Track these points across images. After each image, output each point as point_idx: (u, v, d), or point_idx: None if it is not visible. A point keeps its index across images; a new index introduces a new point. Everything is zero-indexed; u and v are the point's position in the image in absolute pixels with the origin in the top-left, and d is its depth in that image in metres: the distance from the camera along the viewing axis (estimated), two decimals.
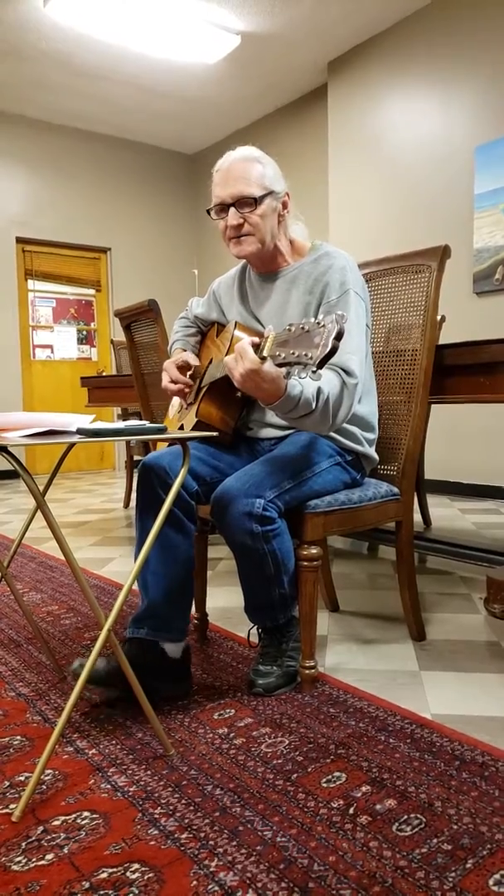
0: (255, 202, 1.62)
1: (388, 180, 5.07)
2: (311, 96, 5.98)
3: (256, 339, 1.36)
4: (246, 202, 1.62)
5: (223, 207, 1.65)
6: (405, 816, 1.13)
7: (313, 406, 1.45)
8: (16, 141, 6.42)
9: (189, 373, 1.83)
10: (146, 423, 1.35)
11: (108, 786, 1.25)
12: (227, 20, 4.79)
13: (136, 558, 1.62)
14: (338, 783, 1.24)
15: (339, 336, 1.18)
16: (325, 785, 1.23)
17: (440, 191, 4.69)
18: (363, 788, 1.22)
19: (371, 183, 5.20)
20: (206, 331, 1.99)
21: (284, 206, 1.69)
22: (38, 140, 6.54)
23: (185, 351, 1.92)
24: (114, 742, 1.41)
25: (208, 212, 1.70)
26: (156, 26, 4.79)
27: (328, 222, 5.53)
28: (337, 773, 1.27)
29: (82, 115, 6.42)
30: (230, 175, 1.63)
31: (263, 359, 1.32)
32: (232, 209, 1.63)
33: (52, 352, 6.93)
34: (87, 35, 4.94)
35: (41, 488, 1.33)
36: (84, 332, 7.14)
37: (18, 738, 1.45)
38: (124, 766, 1.32)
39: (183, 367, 1.83)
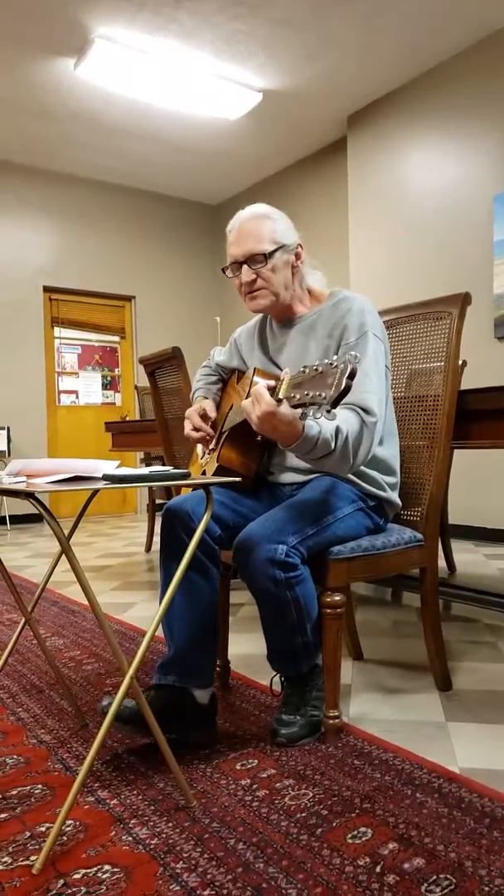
0: (265, 258, 1.67)
1: (408, 230, 5.15)
2: (331, 148, 6.14)
3: (272, 383, 1.38)
4: (257, 259, 1.67)
5: (237, 265, 1.71)
6: (434, 877, 1.10)
7: (332, 446, 1.46)
8: (44, 194, 6.64)
9: (210, 422, 1.86)
10: (171, 469, 1.37)
11: (130, 838, 1.23)
12: (249, 79, 4.97)
13: (160, 603, 1.63)
14: (364, 839, 1.20)
15: (351, 375, 1.20)
16: (350, 841, 1.20)
17: (460, 239, 4.76)
18: (390, 845, 1.18)
19: (391, 232, 5.29)
20: (228, 378, 2.02)
21: (297, 257, 1.73)
22: (65, 193, 6.77)
23: (207, 399, 1.95)
24: (135, 792, 1.39)
25: (223, 270, 1.75)
26: (181, 85, 4.98)
27: (349, 271, 5.62)
28: (363, 829, 1.24)
29: (108, 168, 6.65)
30: (241, 234, 1.69)
31: (279, 401, 1.34)
32: (245, 266, 1.69)
33: (77, 397, 7.04)
34: (115, 94, 5.14)
35: (65, 533, 1.35)
36: (108, 378, 7.26)
37: (40, 786, 1.43)
38: (146, 818, 1.30)
39: (205, 416, 1.86)
